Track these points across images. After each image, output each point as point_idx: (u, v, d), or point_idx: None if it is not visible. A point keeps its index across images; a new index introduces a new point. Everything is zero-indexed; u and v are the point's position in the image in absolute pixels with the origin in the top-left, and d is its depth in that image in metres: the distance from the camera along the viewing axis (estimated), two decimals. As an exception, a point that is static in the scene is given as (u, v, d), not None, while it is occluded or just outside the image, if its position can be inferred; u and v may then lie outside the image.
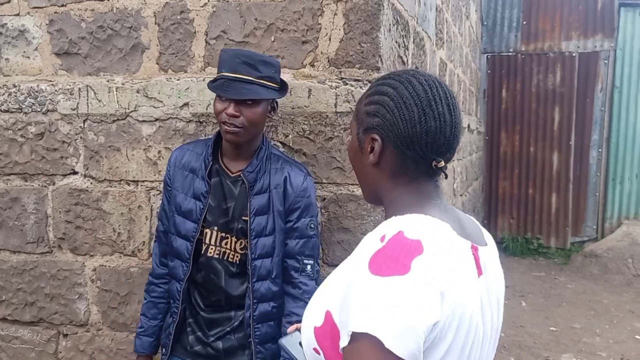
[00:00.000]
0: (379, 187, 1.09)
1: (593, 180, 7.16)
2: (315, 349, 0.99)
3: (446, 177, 1.06)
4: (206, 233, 1.88)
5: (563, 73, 7.25)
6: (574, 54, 7.20)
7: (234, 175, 1.87)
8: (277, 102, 1.91)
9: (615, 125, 7.03)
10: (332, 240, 2.12)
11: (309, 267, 1.86)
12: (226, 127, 1.78)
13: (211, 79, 1.84)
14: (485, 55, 7.61)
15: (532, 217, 7.45)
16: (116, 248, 2.35)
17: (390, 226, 0.96)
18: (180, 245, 1.89)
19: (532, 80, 7.38)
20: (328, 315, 0.96)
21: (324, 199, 2.11)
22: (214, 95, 2.11)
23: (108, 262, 2.37)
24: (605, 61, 7.05)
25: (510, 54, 7.52)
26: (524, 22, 7.48)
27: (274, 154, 1.92)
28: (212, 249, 1.88)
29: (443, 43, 3.74)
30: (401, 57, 2.37)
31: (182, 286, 1.88)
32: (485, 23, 7.56)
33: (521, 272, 6.67)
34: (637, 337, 4.82)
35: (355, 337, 0.85)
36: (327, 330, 0.96)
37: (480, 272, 1.00)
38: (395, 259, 0.88)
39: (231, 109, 1.75)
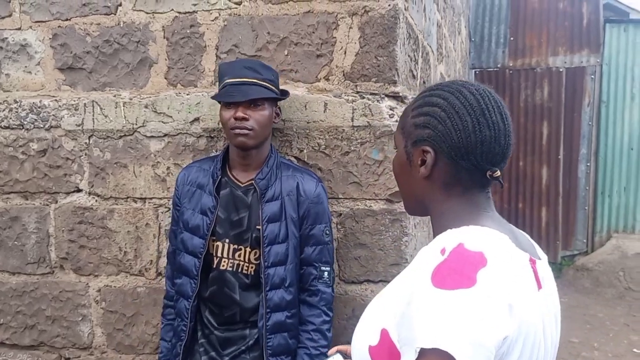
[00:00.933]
0: (429, 199, 1.05)
1: (582, 194, 7.21)
2: None
3: (502, 186, 1.03)
4: (217, 246, 1.84)
5: (550, 88, 7.32)
6: (561, 69, 7.27)
7: (245, 184, 1.85)
8: (280, 109, 1.93)
9: (603, 139, 7.09)
10: (348, 256, 2.07)
11: (326, 274, 1.86)
12: (236, 131, 1.77)
13: (214, 94, 1.82)
14: (474, 70, 7.66)
15: (522, 231, 7.46)
16: (122, 267, 2.28)
17: (449, 239, 0.93)
18: (187, 261, 1.84)
19: (520, 95, 7.43)
20: (384, 334, 0.92)
21: (340, 214, 2.07)
22: None
23: (114, 282, 2.29)
24: (592, 76, 7.13)
25: (498, 69, 7.58)
26: (511, 38, 7.55)
27: (284, 163, 1.92)
28: (224, 262, 1.84)
29: (443, 58, 3.75)
30: (412, 71, 2.35)
31: (191, 304, 1.83)
32: (473, 39, 7.62)
33: (514, 287, 6.64)
34: (635, 350, 4.82)
35: (423, 353, 0.81)
36: (384, 350, 0.91)
37: (539, 286, 0.97)
38: (459, 272, 0.85)
39: (239, 112, 1.77)
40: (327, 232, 1.88)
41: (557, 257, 7.26)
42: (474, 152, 0.96)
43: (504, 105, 1.01)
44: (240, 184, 1.86)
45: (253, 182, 1.82)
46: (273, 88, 1.83)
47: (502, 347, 0.83)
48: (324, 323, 1.84)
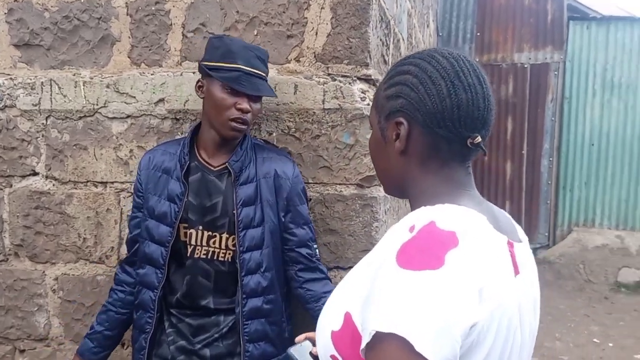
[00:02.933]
0: (407, 178, 0.97)
1: (544, 189, 7.33)
2: (333, 356, 0.88)
3: (485, 153, 0.93)
4: (190, 234, 1.76)
5: (515, 84, 7.42)
6: (525, 65, 7.38)
7: (218, 168, 1.78)
8: None
9: (565, 135, 7.23)
10: (318, 242, 2.00)
11: (317, 251, 1.85)
12: (235, 123, 1.70)
13: (212, 67, 1.70)
14: (441, 65, 7.70)
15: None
16: (81, 255, 2.18)
17: (420, 216, 0.86)
18: (153, 251, 1.76)
19: (486, 90, 7.51)
20: (347, 318, 0.85)
21: (310, 199, 2.01)
22: (192, 91, 1.99)
23: (72, 270, 2.19)
24: (555, 72, 7.26)
25: (464, 64, 7.63)
26: (478, 34, 7.62)
27: (257, 144, 1.86)
28: (198, 249, 1.76)
29: (413, 48, 3.72)
30: (384, 56, 2.31)
31: (157, 294, 1.75)
32: (440, 34, 7.66)
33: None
34: (595, 340, 4.92)
35: (379, 337, 0.75)
36: (347, 334, 0.85)
37: (517, 271, 0.90)
38: (427, 252, 0.78)
39: (246, 104, 1.69)
40: (308, 211, 1.86)
41: (520, 251, 7.38)
42: (451, 118, 0.89)
43: (480, 68, 0.94)
44: (212, 168, 1.78)
45: (227, 165, 1.75)
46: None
47: (470, 336, 0.76)
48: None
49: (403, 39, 3.07)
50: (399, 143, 0.94)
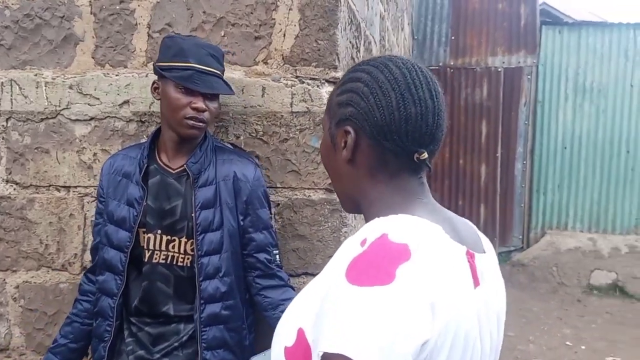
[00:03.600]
0: (356, 188, 0.94)
1: (519, 192, 7.39)
2: None
3: (429, 170, 0.92)
4: (148, 239, 1.72)
5: (489, 87, 7.47)
6: (499, 69, 7.44)
7: (177, 170, 1.74)
8: None
9: (539, 138, 7.30)
10: (286, 248, 1.99)
11: (277, 256, 1.80)
12: (191, 122, 1.66)
13: (165, 67, 1.66)
14: (416, 68, 7.73)
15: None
16: (43, 262, 2.11)
17: (373, 228, 0.83)
18: (112, 256, 1.72)
19: (461, 93, 7.55)
20: (300, 334, 0.82)
21: (278, 204, 1.98)
22: None
23: (33, 277, 2.12)
24: (529, 76, 7.33)
25: (439, 67, 7.68)
26: (453, 37, 7.66)
27: (218, 146, 1.81)
28: (157, 254, 1.72)
29: (386, 50, 3.71)
30: (354, 59, 2.29)
31: (116, 302, 1.71)
32: (416, 37, 7.69)
33: (453, 282, 6.75)
34: (567, 343, 4.96)
35: (327, 358, 0.72)
36: (300, 350, 0.82)
37: (477, 283, 0.87)
38: (377, 267, 0.75)
39: (201, 103, 1.66)
40: (270, 215, 1.82)
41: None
42: (398, 131, 0.87)
43: (434, 81, 0.91)
44: (171, 170, 1.75)
45: (185, 166, 1.71)
46: (228, 84, 1.77)
47: (421, 354, 0.74)
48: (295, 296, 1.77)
49: (375, 42, 3.06)
50: (345, 152, 0.92)
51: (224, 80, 1.73)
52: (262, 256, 1.76)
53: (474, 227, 1.01)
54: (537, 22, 7.33)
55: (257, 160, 1.95)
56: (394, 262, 0.75)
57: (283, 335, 0.86)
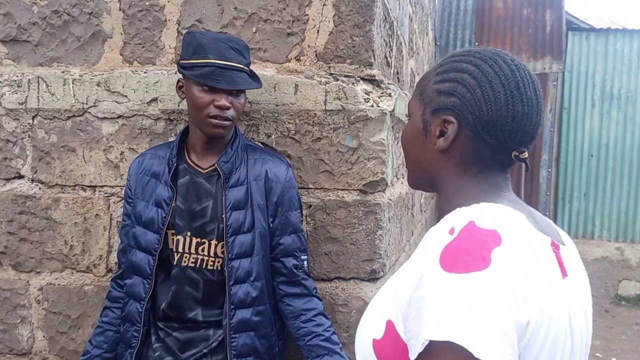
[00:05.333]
0: (441, 175, 0.95)
1: (543, 200, 7.24)
2: None
3: (527, 169, 0.95)
4: (178, 241, 1.65)
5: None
6: (524, 76, 7.31)
7: (207, 170, 1.68)
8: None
9: (564, 146, 7.15)
10: (318, 251, 1.91)
11: (305, 262, 1.72)
12: (216, 120, 1.60)
13: (186, 65, 1.61)
14: (439, 74, 7.64)
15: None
16: (68, 263, 2.06)
17: (458, 217, 0.83)
18: (140, 259, 1.65)
19: (484, 100, 7.44)
20: (389, 325, 0.81)
21: (310, 205, 1.91)
22: None
23: (58, 279, 2.07)
24: (554, 83, 7.20)
25: (462, 74, 7.58)
26: (476, 43, 7.56)
27: (249, 145, 1.75)
28: (186, 257, 1.65)
29: (413, 53, 3.64)
30: (387, 58, 2.22)
31: (144, 306, 1.64)
32: (438, 43, 7.61)
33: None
34: (597, 355, 4.82)
35: (433, 346, 0.71)
36: (389, 342, 0.81)
37: (564, 274, 0.85)
38: (471, 253, 0.75)
39: (224, 101, 1.59)
40: (301, 218, 1.76)
41: (518, 263, 7.27)
42: (503, 128, 0.87)
43: (537, 81, 0.91)
44: (201, 170, 1.68)
45: (216, 166, 1.64)
46: (256, 76, 1.70)
47: (524, 336, 0.72)
48: (321, 306, 1.71)
49: (405, 43, 2.99)
50: (442, 141, 0.92)
51: (250, 74, 1.66)
52: (289, 261, 1.69)
53: (550, 221, 1.00)
54: (563, 28, 7.20)
55: (289, 160, 1.88)
56: (487, 247, 0.75)
57: (370, 329, 0.86)
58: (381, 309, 0.85)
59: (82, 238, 2.04)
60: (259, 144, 1.89)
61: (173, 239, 1.65)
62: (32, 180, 2.07)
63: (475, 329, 0.69)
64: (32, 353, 2.12)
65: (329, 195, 1.90)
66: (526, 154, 0.90)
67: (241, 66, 1.62)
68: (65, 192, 2.05)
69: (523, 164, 0.92)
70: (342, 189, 1.89)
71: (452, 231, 0.80)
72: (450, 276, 0.73)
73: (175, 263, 1.65)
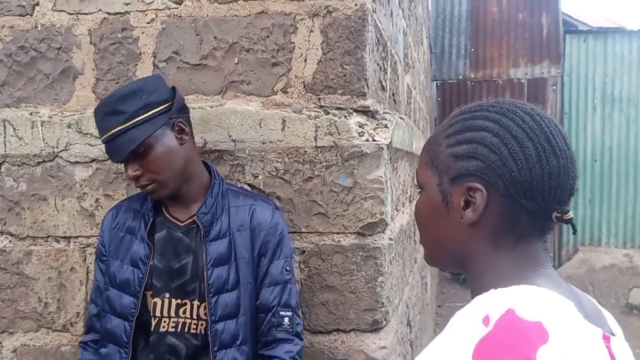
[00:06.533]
0: (470, 251, 0.82)
1: (547, 207, 7.10)
2: None
3: (575, 232, 0.84)
4: (155, 304, 1.49)
5: (512, 99, 7.23)
6: (522, 81, 7.21)
7: (186, 223, 1.51)
8: (183, 119, 1.51)
9: (566, 151, 7.03)
10: (314, 301, 1.75)
11: (286, 319, 1.52)
12: (142, 190, 1.46)
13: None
14: (435, 82, 7.53)
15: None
16: (43, 322, 1.89)
17: (493, 303, 0.70)
18: (116, 325, 1.49)
19: (483, 107, 7.32)
20: None
21: (304, 251, 1.75)
22: None
23: (32, 340, 1.90)
24: (553, 87, 7.08)
25: (459, 81, 7.46)
26: (472, 50, 7.45)
27: (231, 190, 1.58)
28: (165, 322, 1.48)
29: (409, 68, 3.49)
30: (381, 82, 2.06)
31: None
32: (433, 51, 7.48)
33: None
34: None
35: None
36: None
37: None
38: (513, 351, 0.64)
39: (130, 172, 1.43)
40: (288, 268, 1.55)
41: (525, 272, 7.14)
42: (541, 189, 0.76)
43: (563, 130, 0.81)
44: (179, 223, 1.52)
45: (195, 218, 1.48)
46: (149, 115, 1.43)
47: None
48: None
49: (400, 60, 2.84)
50: (471, 213, 0.79)
51: (136, 125, 1.41)
52: (264, 317, 1.52)
53: (594, 301, 0.86)
54: (561, 31, 7.09)
55: (279, 202, 1.73)
56: (532, 346, 0.64)
57: None
58: None
59: (57, 294, 1.87)
60: (244, 187, 1.73)
61: (151, 302, 1.49)
62: (2, 233, 1.90)
63: None
64: (8, 418, 1.95)
65: (324, 240, 1.74)
66: (570, 214, 0.78)
67: (120, 128, 1.40)
68: (38, 245, 1.88)
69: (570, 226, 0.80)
70: (337, 233, 1.73)
71: (486, 321, 0.68)
72: None
73: (152, 329, 1.48)
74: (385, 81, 2.18)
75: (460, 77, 7.51)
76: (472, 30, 7.49)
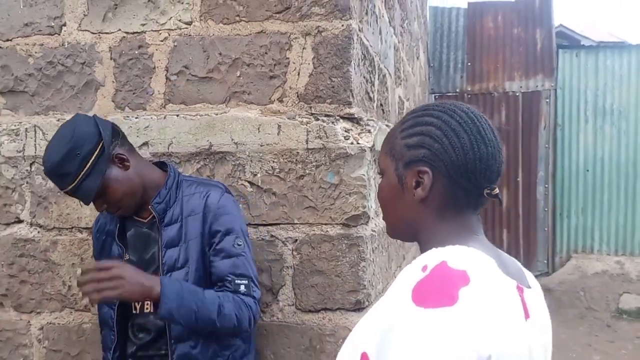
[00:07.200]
0: (420, 224, 1.01)
1: (541, 216, 7.30)
2: None
3: (501, 203, 1.02)
4: None
5: (508, 112, 7.45)
6: (517, 94, 7.42)
7: (148, 219, 1.76)
8: (118, 147, 1.69)
9: (560, 162, 7.23)
10: (305, 284, 1.99)
11: (242, 287, 1.66)
12: (113, 214, 1.75)
13: None
14: (433, 95, 7.76)
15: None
16: (66, 303, 2.14)
17: (432, 256, 0.90)
18: (105, 312, 1.77)
19: (479, 119, 7.53)
20: (364, 358, 0.87)
21: (296, 240, 1.99)
22: (176, 134, 2.04)
23: (57, 319, 2.15)
24: (547, 100, 7.29)
25: (456, 94, 7.69)
26: (469, 64, 7.69)
27: (186, 180, 1.80)
28: (147, 305, 1.74)
29: (401, 81, 3.74)
30: (368, 93, 2.32)
31: (111, 356, 1.75)
32: (431, 64, 7.73)
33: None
34: (598, 370, 4.83)
35: None
36: None
37: (527, 315, 0.92)
38: (440, 290, 0.82)
39: (98, 208, 1.72)
40: (240, 243, 1.71)
41: (520, 279, 7.29)
42: (474, 170, 0.95)
43: (493, 125, 1.01)
44: (143, 220, 1.77)
45: (150, 207, 1.71)
46: (91, 165, 1.59)
47: None
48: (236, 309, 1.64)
49: (390, 74, 3.09)
50: (421, 191, 0.98)
51: (85, 178, 1.60)
52: (222, 286, 1.67)
53: (519, 263, 1.07)
54: (554, 46, 7.32)
55: (274, 197, 1.97)
56: (455, 286, 0.82)
57: None
58: (357, 340, 0.91)
59: (80, 278, 2.12)
60: (247, 185, 1.97)
61: None
62: (31, 224, 2.16)
63: (439, 358, 0.76)
64: (34, 390, 2.19)
65: (314, 230, 1.98)
66: (497, 190, 0.97)
67: (72, 186, 1.61)
68: (63, 235, 2.14)
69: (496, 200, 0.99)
70: (326, 224, 1.98)
71: (424, 269, 0.86)
72: (420, 310, 0.80)
73: (138, 312, 1.75)
74: (373, 92, 2.44)
75: (458, 90, 7.74)
76: (469, 45, 7.73)
